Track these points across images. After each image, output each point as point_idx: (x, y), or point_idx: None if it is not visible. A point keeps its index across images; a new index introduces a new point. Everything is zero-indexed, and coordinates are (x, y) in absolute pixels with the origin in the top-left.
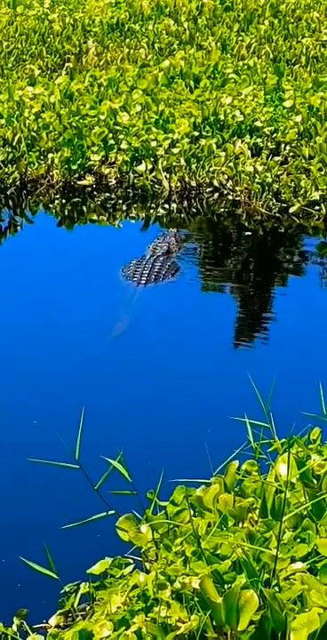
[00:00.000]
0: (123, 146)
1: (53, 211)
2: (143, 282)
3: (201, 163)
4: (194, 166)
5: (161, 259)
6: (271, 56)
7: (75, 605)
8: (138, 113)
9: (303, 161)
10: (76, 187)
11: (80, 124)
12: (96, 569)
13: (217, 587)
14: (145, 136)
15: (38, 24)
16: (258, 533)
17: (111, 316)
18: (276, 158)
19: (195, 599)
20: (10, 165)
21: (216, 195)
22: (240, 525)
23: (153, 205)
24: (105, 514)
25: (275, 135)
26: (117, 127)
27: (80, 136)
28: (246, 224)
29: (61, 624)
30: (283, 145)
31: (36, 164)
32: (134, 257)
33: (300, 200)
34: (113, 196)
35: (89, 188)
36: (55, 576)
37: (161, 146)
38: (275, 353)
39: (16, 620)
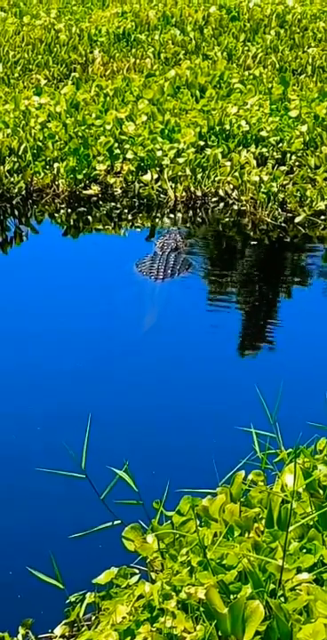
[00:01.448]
0: (129, 155)
1: (59, 220)
2: (161, 276)
3: (206, 172)
4: (199, 176)
5: (173, 254)
6: (277, 66)
7: (81, 615)
8: (143, 122)
9: (309, 171)
10: (82, 196)
11: (86, 134)
12: (102, 579)
13: (223, 597)
14: (150, 146)
15: (45, 34)
16: (264, 544)
17: (117, 323)
18: (282, 168)
19: (201, 609)
20: (16, 175)
21: (221, 204)
22: (246, 536)
23: (158, 215)
24: (111, 523)
25: (280, 145)
26: (123, 137)
27: (86, 145)
28: (252, 234)
29: (67, 634)
30: (288, 155)
31: (42, 174)
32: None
33: (306, 210)
34: (118, 205)
35: (94, 198)
36: (61, 586)
37: (166, 155)
38: (281, 362)
39: (22, 630)
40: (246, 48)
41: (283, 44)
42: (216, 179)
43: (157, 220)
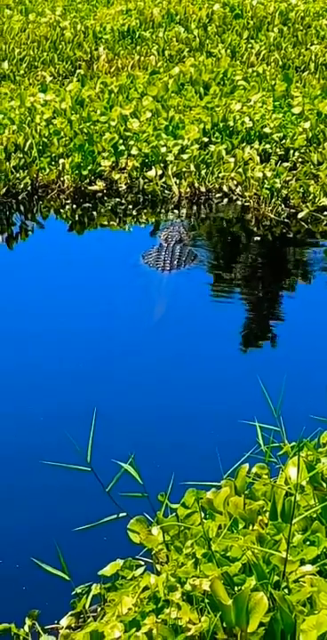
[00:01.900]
0: (134, 152)
1: (64, 216)
2: (167, 268)
3: (210, 168)
4: (203, 172)
5: (178, 246)
6: (280, 63)
7: (87, 607)
8: (148, 119)
9: (312, 167)
10: (87, 192)
11: (91, 130)
12: (107, 570)
13: (227, 589)
14: (155, 142)
15: (50, 31)
16: (268, 536)
17: (122, 318)
18: (285, 164)
19: (206, 601)
20: (21, 171)
21: (225, 200)
22: (250, 528)
23: (163, 211)
24: (116, 516)
25: (283, 141)
26: (128, 133)
27: (91, 142)
28: (255, 229)
29: (73, 625)
30: (291, 151)
31: (47, 170)
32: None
33: (309, 205)
34: (123, 201)
35: (99, 194)
36: (67, 577)
37: (171, 152)
38: (284, 357)
39: (28, 621)
40: (249, 45)
41: (286, 42)
42: (220, 175)
43: (162, 215)
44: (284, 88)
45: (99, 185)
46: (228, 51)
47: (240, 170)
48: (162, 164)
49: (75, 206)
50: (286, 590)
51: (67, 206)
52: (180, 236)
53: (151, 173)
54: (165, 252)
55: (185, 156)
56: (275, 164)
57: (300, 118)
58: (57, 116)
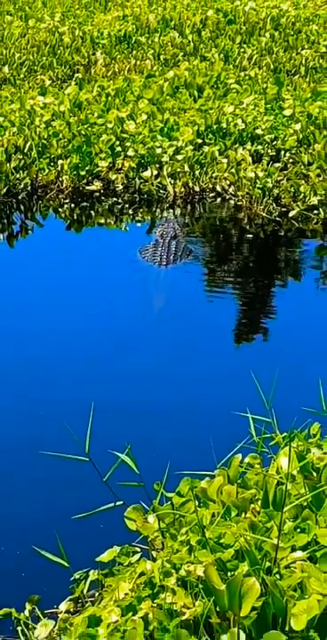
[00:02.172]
0: (130, 153)
1: (63, 215)
2: (164, 263)
3: (204, 169)
4: (197, 172)
5: (174, 242)
6: (272, 67)
7: (85, 592)
8: (144, 121)
9: (302, 167)
10: (85, 192)
11: (88, 132)
12: (105, 557)
13: (220, 574)
14: (150, 143)
15: (49, 36)
16: (260, 523)
17: (119, 313)
18: (276, 165)
19: (200, 586)
20: (21, 171)
21: (218, 199)
22: (243, 516)
23: (158, 210)
24: (114, 504)
25: (275, 142)
26: (124, 135)
27: (88, 143)
28: (248, 227)
29: (71, 609)
30: (282, 152)
31: (47, 170)
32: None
33: (299, 204)
34: (120, 200)
35: (97, 193)
36: (66, 564)
37: (166, 153)
38: (276, 351)
39: (28, 606)
40: (242, 50)
41: (278, 46)
42: (213, 175)
43: (157, 214)
44: (276, 91)
45: (97, 185)
46: (222, 55)
47: (233, 170)
48: (157, 165)
49: (73, 205)
50: (278, 576)
51: (66, 205)
52: (175, 233)
53: (147, 174)
54: (161, 247)
55: (179, 157)
56: (267, 165)
57: (291, 120)
58: (56, 118)
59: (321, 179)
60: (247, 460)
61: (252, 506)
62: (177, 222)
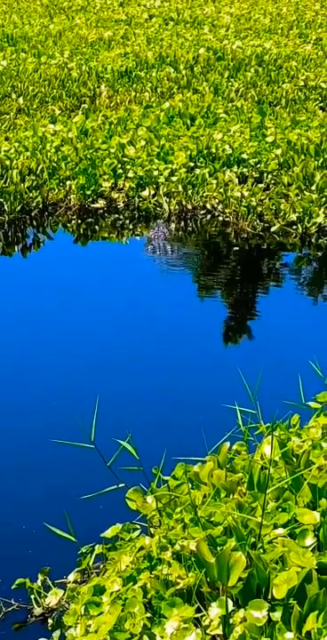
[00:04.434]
0: (130, 174)
1: (70, 229)
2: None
3: (196, 189)
4: (190, 192)
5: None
6: (256, 99)
7: (91, 564)
8: (142, 147)
9: (283, 187)
10: (90, 209)
11: (93, 156)
12: (108, 533)
13: (211, 549)
14: (148, 166)
15: (59, 71)
16: (245, 504)
17: (120, 314)
18: (260, 185)
19: (192, 559)
20: (34, 191)
21: (209, 216)
22: (231, 497)
23: (155, 225)
24: (116, 487)
25: (258, 166)
26: (125, 159)
27: (93, 166)
28: (234, 241)
29: (79, 580)
30: (265, 174)
31: (56, 190)
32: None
33: (280, 221)
34: (121, 217)
35: (101, 211)
36: (74, 539)
37: (162, 174)
38: (260, 350)
39: (40, 577)
40: (230, 84)
41: (261, 80)
42: (204, 194)
43: (154, 229)
44: (259, 120)
45: (101, 203)
46: (212, 88)
47: (221, 190)
48: (154, 185)
49: (80, 221)
50: (261, 550)
51: (73, 221)
52: (165, 237)
53: (145, 193)
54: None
55: (174, 178)
56: (251, 185)
57: (273, 146)
58: (64, 144)
59: (299, 198)
60: (235, 447)
61: (239, 488)
62: (165, 227)
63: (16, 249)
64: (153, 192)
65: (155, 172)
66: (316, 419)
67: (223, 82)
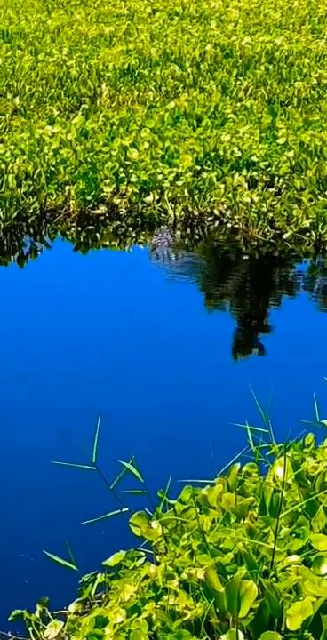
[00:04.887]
0: (133, 179)
1: (70, 237)
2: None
3: (203, 194)
4: (196, 197)
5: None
6: (266, 98)
7: (92, 594)
8: (146, 149)
9: (295, 192)
10: (91, 215)
11: (94, 160)
12: (111, 561)
13: (220, 577)
14: (152, 170)
15: (57, 69)
16: (257, 529)
17: (122, 326)
18: (271, 190)
19: (201, 588)
20: (31, 196)
21: (216, 223)
22: (241, 522)
23: (159, 232)
24: (119, 511)
25: (269, 169)
26: (127, 162)
27: (94, 170)
28: (244, 249)
29: (80, 611)
30: (276, 178)
31: (55, 196)
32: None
33: (293, 227)
34: (123, 224)
35: (102, 217)
36: (74, 567)
37: (166, 179)
38: (272, 364)
39: (39, 607)
40: (238, 82)
41: (272, 79)
42: (211, 200)
43: (159, 237)
44: (270, 121)
45: (102, 209)
46: (219, 87)
47: (229, 195)
48: (158, 190)
49: (79, 229)
50: (274, 579)
51: (73, 229)
52: (168, 242)
53: (149, 198)
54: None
55: (179, 183)
56: (262, 190)
57: (284, 148)
58: (63, 146)
59: (313, 203)
60: (245, 468)
61: (250, 512)
62: (169, 233)
63: (12, 258)
64: (157, 197)
65: (160, 177)
66: None
67: (231, 80)
